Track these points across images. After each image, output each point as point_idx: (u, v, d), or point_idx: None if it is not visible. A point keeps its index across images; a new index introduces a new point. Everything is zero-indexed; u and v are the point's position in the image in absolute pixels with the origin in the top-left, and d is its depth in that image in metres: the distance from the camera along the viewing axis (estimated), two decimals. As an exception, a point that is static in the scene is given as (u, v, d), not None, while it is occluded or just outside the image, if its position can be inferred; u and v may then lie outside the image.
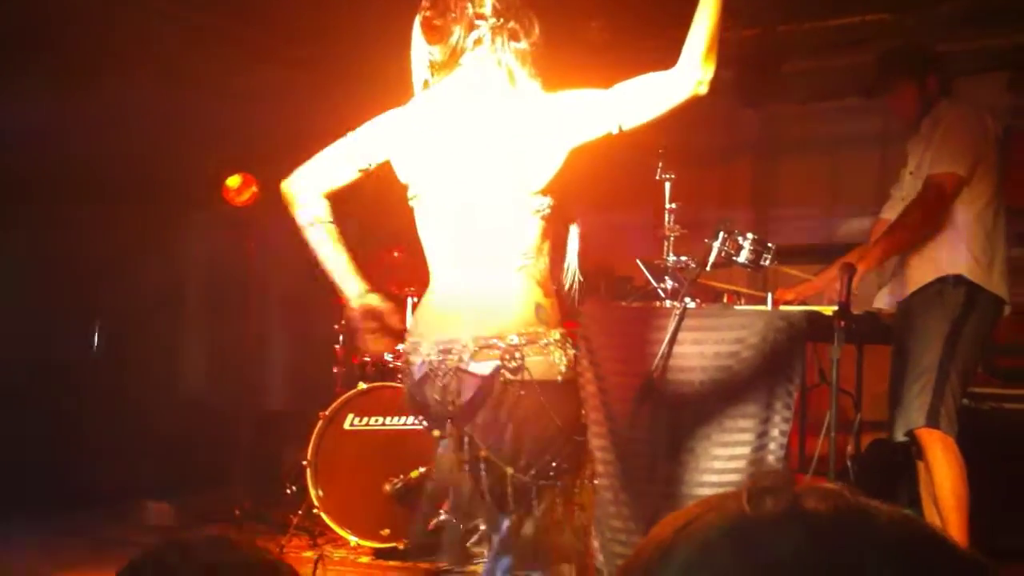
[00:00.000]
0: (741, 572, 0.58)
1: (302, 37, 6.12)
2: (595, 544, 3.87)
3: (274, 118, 6.18)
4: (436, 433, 2.53)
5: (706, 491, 3.71)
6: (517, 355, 2.39)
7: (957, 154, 3.84)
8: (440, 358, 2.45)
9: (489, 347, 2.41)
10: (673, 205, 3.93)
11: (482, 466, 2.45)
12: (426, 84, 2.60)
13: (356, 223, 3.68)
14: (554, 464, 2.45)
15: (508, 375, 2.39)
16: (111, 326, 6.16)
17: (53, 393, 5.65)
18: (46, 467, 5.36)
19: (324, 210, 2.66)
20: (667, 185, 3.93)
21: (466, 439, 2.46)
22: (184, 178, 6.06)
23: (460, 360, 2.42)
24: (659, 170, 3.90)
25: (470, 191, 2.50)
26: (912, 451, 3.91)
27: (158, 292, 6.56)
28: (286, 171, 2.74)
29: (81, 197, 5.71)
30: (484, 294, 2.47)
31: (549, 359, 2.43)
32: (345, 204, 2.78)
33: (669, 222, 3.95)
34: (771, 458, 3.73)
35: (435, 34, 2.55)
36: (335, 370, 5.43)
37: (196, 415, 6.67)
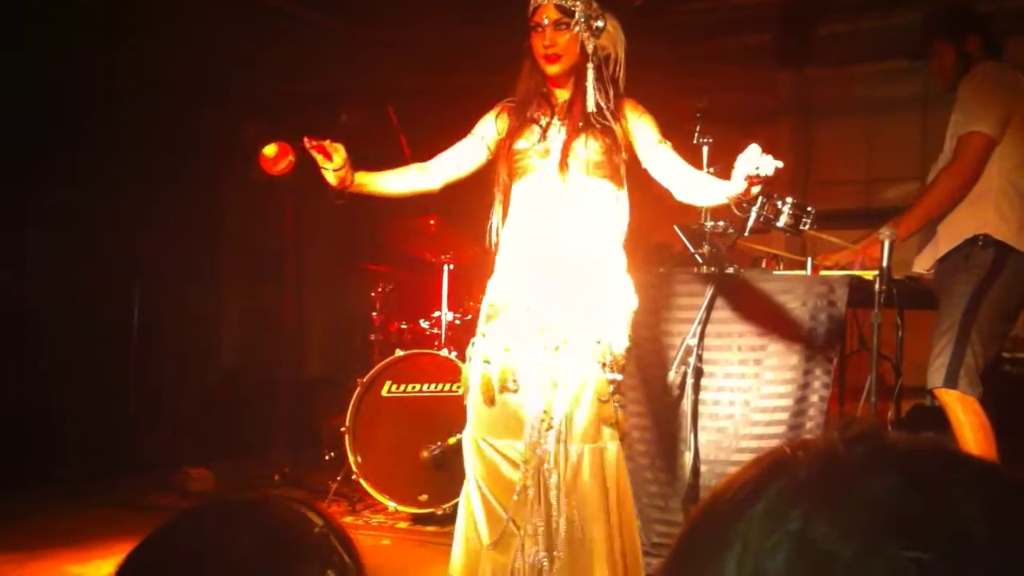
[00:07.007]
0: (832, 511, 0.59)
1: (333, 7, 6.10)
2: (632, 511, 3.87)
3: (310, 88, 6.19)
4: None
5: (744, 457, 3.69)
6: None
7: (985, 114, 3.76)
8: None
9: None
10: (711, 169, 3.87)
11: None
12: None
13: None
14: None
15: None
16: (150, 295, 6.21)
17: (94, 362, 5.72)
18: (87, 435, 5.45)
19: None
20: (705, 149, 3.87)
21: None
22: (222, 146, 6.09)
23: None
24: (697, 134, 3.85)
25: None
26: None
27: (197, 260, 6.62)
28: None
29: (116, 166, 5.75)
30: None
31: None
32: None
33: (707, 187, 3.88)
34: (810, 424, 3.70)
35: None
36: (372, 337, 5.46)
37: (235, 382, 6.74)
